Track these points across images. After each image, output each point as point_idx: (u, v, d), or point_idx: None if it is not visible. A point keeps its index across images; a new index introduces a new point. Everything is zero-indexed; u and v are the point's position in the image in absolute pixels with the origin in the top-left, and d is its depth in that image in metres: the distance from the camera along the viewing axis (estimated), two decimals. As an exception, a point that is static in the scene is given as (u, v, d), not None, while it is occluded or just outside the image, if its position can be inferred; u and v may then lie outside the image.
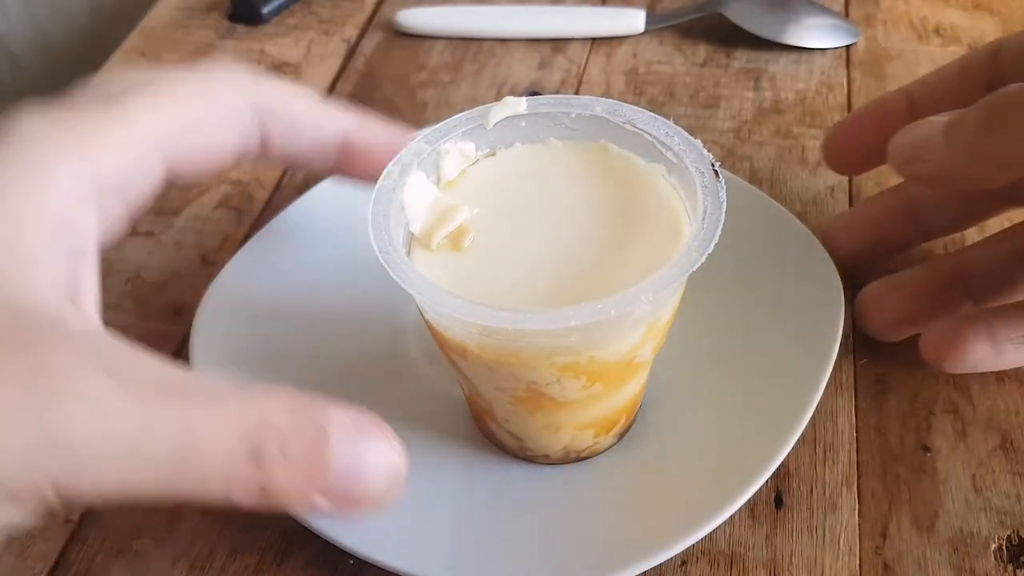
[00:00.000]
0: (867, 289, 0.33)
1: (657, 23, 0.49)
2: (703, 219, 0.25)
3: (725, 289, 0.33)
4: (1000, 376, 0.33)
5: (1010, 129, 0.25)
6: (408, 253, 0.27)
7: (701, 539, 0.28)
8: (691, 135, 0.27)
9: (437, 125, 0.29)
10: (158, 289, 0.39)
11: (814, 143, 0.42)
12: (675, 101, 0.45)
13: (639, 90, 0.46)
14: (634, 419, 0.31)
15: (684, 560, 0.29)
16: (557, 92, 0.45)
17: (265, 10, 0.52)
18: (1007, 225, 0.33)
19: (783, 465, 0.29)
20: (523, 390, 0.27)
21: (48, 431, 0.20)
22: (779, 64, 0.47)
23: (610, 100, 0.29)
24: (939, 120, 0.27)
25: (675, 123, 0.28)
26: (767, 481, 0.28)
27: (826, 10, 0.48)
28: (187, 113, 0.26)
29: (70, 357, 0.21)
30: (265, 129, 0.28)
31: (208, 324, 0.33)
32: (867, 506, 0.30)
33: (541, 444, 0.30)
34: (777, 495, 0.30)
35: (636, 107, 0.28)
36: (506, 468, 0.31)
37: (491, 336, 0.25)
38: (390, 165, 0.28)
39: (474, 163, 0.29)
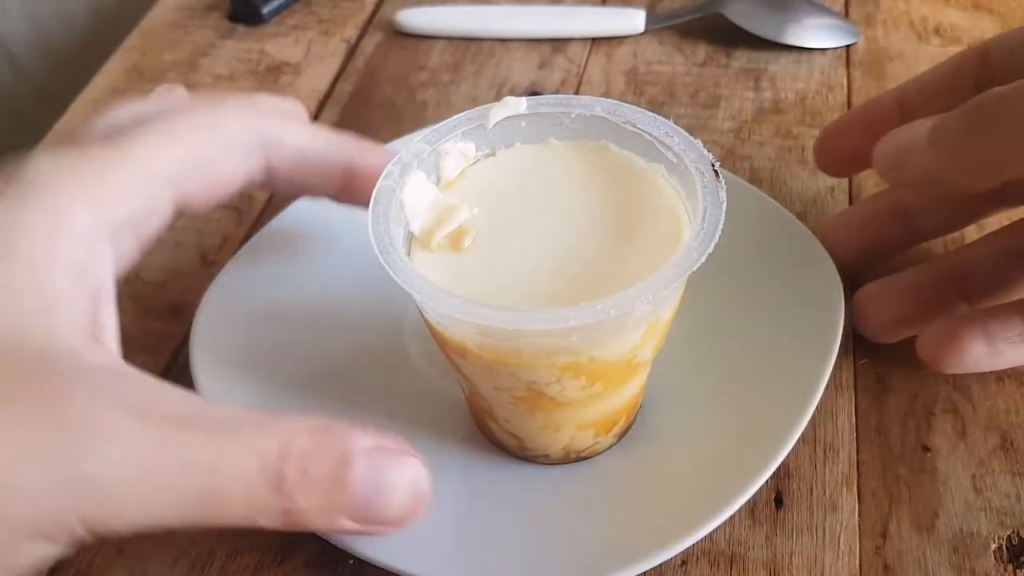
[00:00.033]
0: (863, 291, 0.33)
1: (657, 23, 0.49)
2: (703, 219, 0.25)
3: (725, 289, 0.33)
4: (1000, 376, 0.33)
5: (994, 133, 0.25)
6: (408, 253, 0.27)
7: (701, 539, 0.28)
8: (691, 135, 0.27)
9: (437, 125, 0.29)
10: (158, 289, 0.39)
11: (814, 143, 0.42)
12: (675, 101, 0.45)
13: (639, 90, 0.46)
14: (634, 419, 0.31)
15: (684, 560, 0.29)
16: (557, 92, 0.45)
17: (265, 10, 0.52)
18: (1005, 224, 0.33)
19: (783, 465, 0.29)
20: (523, 390, 0.27)
21: (75, 471, 0.20)
22: (779, 64, 0.47)
23: (610, 100, 0.29)
24: (923, 125, 0.27)
25: (675, 123, 0.28)
26: (767, 481, 0.28)
27: (826, 10, 0.48)
28: (194, 149, 0.27)
29: (94, 397, 0.21)
30: (270, 160, 0.29)
31: (208, 324, 0.33)
32: (867, 506, 0.30)
33: (541, 444, 0.30)
34: (777, 495, 0.30)
35: (636, 107, 0.28)
36: (506, 468, 0.31)
37: (491, 336, 0.25)
38: (390, 165, 0.28)
39: (474, 163, 0.29)
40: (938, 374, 0.32)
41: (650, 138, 0.28)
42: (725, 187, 0.26)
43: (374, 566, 0.28)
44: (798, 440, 0.29)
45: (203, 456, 0.22)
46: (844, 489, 0.30)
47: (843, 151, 0.35)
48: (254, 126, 0.28)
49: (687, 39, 0.48)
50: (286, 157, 0.29)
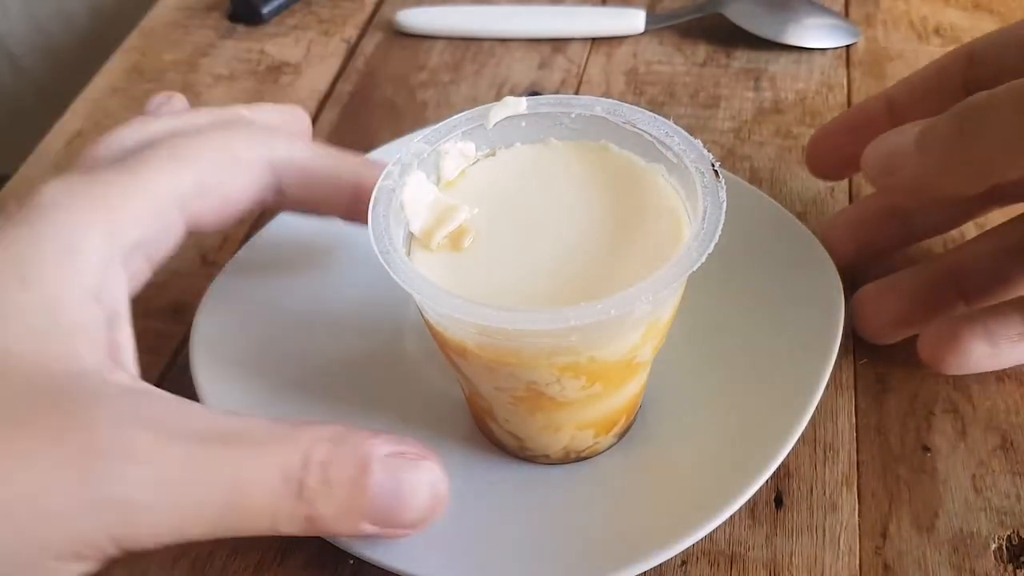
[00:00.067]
0: (861, 292, 0.33)
1: (657, 23, 0.49)
2: (703, 219, 0.25)
3: (725, 289, 0.33)
4: (1000, 376, 0.33)
5: (981, 137, 0.25)
6: (408, 253, 0.27)
7: (701, 539, 0.28)
8: (691, 135, 0.27)
9: (437, 125, 0.29)
10: (158, 289, 0.38)
11: (814, 143, 0.42)
12: (675, 101, 0.45)
13: (639, 90, 0.46)
14: (634, 419, 0.31)
15: (684, 560, 0.29)
16: (557, 92, 0.45)
17: (265, 10, 0.52)
18: (1002, 221, 0.33)
19: (783, 465, 0.29)
20: (523, 390, 0.27)
21: (104, 493, 0.21)
22: (779, 64, 0.47)
23: (610, 100, 0.29)
24: (911, 130, 0.28)
25: (675, 123, 0.28)
26: (767, 481, 0.28)
27: (826, 10, 0.48)
28: (205, 172, 0.27)
29: (118, 419, 0.22)
30: (279, 181, 0.29)
31: (208, 324, 0.33)
32: (867, 506, 0.30)
33: (541, 444, 0.30)
34: (777, 495, 0.30)
35: (636, 107, 0.28)
36: (506, 468, 0.31)
37: (491, 336, 0.25)
38: (390, 165, 0.28)
39: (474, 163, 0.29)
40: (938, 374, 0.33)
41: (650, 138, 0.28)
42: (725, 187, 0.26)
43: (374, 566, 0.28)
44: (798, 440, 0.29)
45: (227, 471, 0.22)
46: (844, 489, 0.30)
47: (834, 155, 0.35)
48: (263, 147, 0.29)
49: (687, 39, 0.48)
50: (296, 178, 0.29)
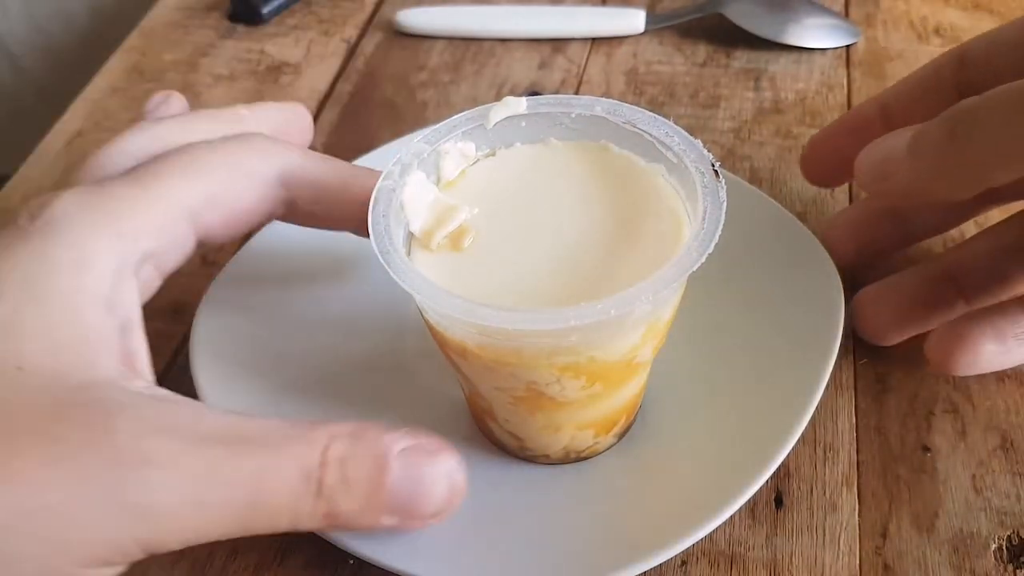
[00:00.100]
0: (861, 294, 0.33)
1: (657, 23, 0.49)
2: (703, 219, 0.25)
3: (725, 289, 0.33)
4: (1000, 376, 0.33)
5: (972, 142, 0.25)
6: (408, 253, 0.27)
7: (701, 539, 0.28)
8: (691, 135, 0.27)
9: (437, 125, 0.29)
10: (158, 289, 0.38)
11: (814, 143, 0.42)
12: (675, 101, 0.45)
13: (639, 90, 0.46)
14: (634, 419, 0.31)
15: (684, 560, 0.29)
16: (557, 92, 0.45)
17: (265, 10, 0.52)
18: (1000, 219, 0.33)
19: (783, 465, 0.29)
20: (523, 390, 0.27)
21: (128, 501, 0.21)
22: (779, 64, 0.47)
23: (610, 100, 0.29)
24: (903, 136, 0.28)
25: (675, 123, 0.28)
26: (767, 481, 0.28)
27: (826, 10, 0.48)
28: (216, 183, 0.27)
29: (138, 426, 0.22)
30: (290, 194, 0.29)
31: (208, 324, 0.33)
32: (867, 506, 0.30)
33: (541, 444, 0.30)
34: (777, 495, 0.30)
35: (636, 107, 0.28)
36: (506, 468, 0.31)
37: (491, 336, 0.25)
38: (390, 165, 0.28)
39: (474, 163, 0.29)
40: (938, 375, 0.32)
41: (650, 138, 0.28)
42: (725, 187, 0.26)
43: (374, 566, 0.28)
44: (798, 440, 0.29)
45: (248, 472, 0.23)
46: (844, 489, 0.30)
47: (829, 161, 0.35)
48: (274, 161, 0.29)
49: (687, 39, 0.48)
50: (306, 191, 0.29)
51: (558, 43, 0.49)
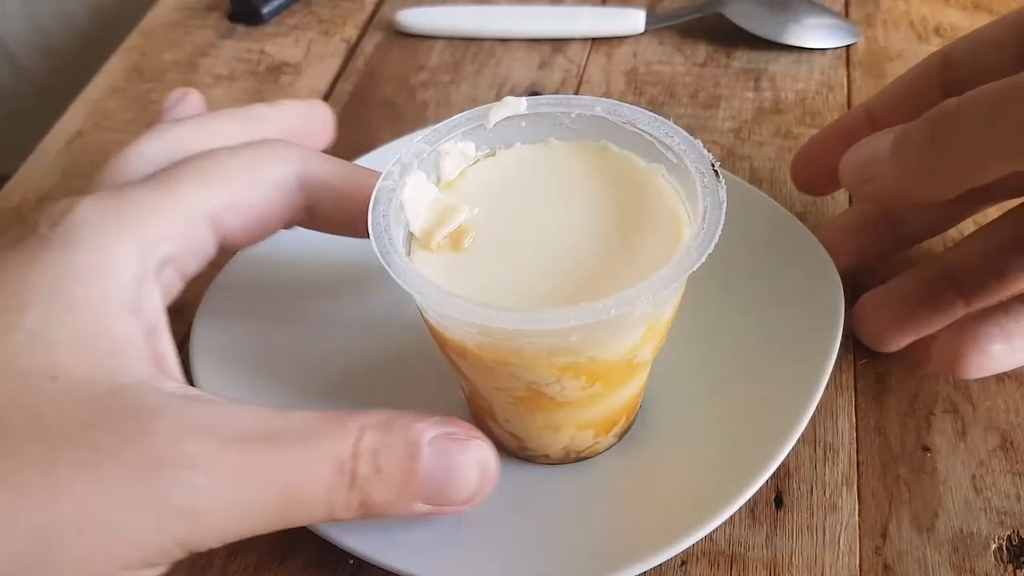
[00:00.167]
0: (861, 301, 0.33)
1: (657, 23, 0.49)
2: (703, 219, 0.25)
3: (725, 289, 0.33)
4: (1000, 376, 0.33)
5: (952, 144, 0.25)
6: (408, 253, 0.27)
7: (701, 539, 0.28)
8: (691, 135, 0.27)
9: (437, 125, 0.29)
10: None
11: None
12: (675, 101, 0.45)
13: (639, 90, 0.46)
14: (634, 419, 0.31)
15: (684, 560, 0.29)
16: (557, 92, 0.46)
17: (265, 10, 0.52)
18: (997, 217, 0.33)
19: (783, 465, 0.29)
20: (523, 390, 0.27)
21: (167, 503, 0.22)
22: (779, 64, 0.47)
23: (610, 100, 0.29)
24: (885, 137, 0.28)
25: (675, 123, 0.28)
26: (767, 481, 0.28)
27: (826, 10, 0.48)
28: (236, 189, 0.28)
29: (174, 428, 0.23)
30: (311, 199, 0.29)
31: (208, 324, 0.33)
32: (867, 506, 0.30)
33: (541, 444, 0.30)
34: (777, 495, 0.30)
35: (636, 107, 0.28)
36: (506, 468, 0.30)
37: (491, 336, 0.25)
38: (390, 165, 0.28)
39: (474, 163, 0.29)
40: (938, 375, 0.32)
41: (650, 138, 0.28)
42: (725, 187, 0.26)
43: (374, 566, 0.28)
44: (798, 440, 0.29)
45: (283, 467, 0.23)
46: (844, 489, 0.30)
47: (817, 169, 0.35)
48: (295, 167, 0.29)
49: (687, 39, 0.49)
50: (326, 198, 0.29)
51: (558, 43, 0.49)
